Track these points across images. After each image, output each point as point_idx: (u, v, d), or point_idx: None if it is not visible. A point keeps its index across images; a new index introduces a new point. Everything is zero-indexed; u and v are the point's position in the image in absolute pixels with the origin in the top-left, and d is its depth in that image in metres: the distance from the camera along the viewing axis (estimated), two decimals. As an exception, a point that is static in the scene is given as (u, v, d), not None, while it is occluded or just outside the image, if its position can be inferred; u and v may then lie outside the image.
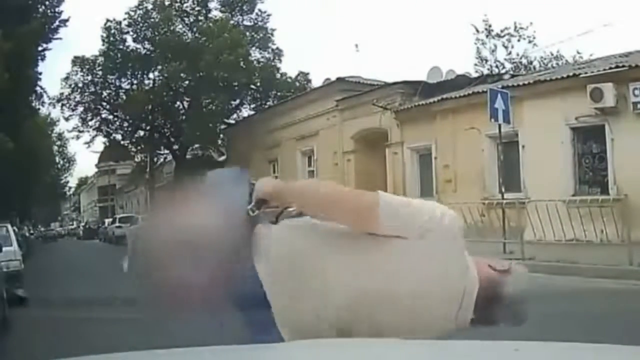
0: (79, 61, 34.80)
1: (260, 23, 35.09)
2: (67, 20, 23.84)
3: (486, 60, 31.45)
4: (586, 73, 14.44)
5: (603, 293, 8.02)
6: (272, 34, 35.08)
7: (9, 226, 12.04)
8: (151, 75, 35.07)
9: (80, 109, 35.92)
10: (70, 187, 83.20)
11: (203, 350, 1.42)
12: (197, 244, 1.28)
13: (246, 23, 34.90)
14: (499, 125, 13.79)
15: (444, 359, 1.32)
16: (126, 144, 39.00)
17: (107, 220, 45.23)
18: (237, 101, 35.06)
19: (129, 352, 1.56)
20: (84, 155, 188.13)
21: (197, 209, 1.37)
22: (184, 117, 34.69)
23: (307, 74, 35.76)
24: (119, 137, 37.99)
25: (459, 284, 1.60)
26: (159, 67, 33.69)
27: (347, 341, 1.31)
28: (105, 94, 35.76)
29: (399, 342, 1.27)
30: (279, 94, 33.53)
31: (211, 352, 1.40)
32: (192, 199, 1.45)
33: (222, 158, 35.20)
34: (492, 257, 1.82)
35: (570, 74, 15.40)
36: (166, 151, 38.17)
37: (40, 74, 25.38)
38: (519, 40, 30.96)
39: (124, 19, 34.16)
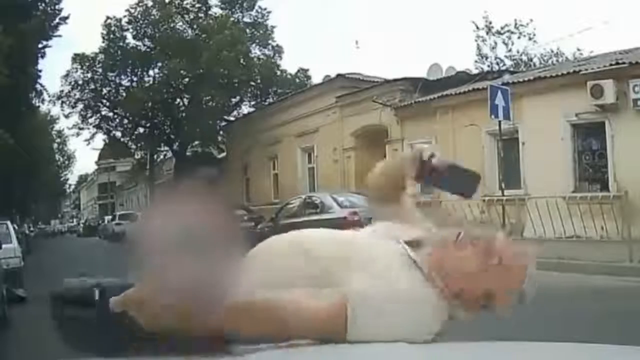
0: (79, 58, 34.83)
1: (260, 20, 35.01)
2: (67, 18, 23.89)
3: (486, 57, 31.57)
4: (586, 70, 14.41)
5: (603, 290, 8.01)
6: (272, 31, 35.04)
7: (9, 223, 11.99)
8: (151, 73, 35.12)
9: (80, 106, 35.96)
10: (70, 185, 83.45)
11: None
12: (189, 243, 1.24)
13: (246, 20, 34.84)
14: (499, 122, 13.78)
15: (440, 359, 1.32)
16: (126, 141, 38.99)
17: (107, 218, 45.24)
18: (237, 98, 35.03)
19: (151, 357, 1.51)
20: (84, 152, 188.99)
21: (190, 207, 1.30)
22: (183, 114, 34.66)
23: (307, 70, 35.76)
24: (119, 134, 38.03)
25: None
26: (159, 64, 33.70)
27: (344, 345, 1.30)
28: (105, 91, 35.76)
29: (393, 343, 1.27)
30: (279, 90, 33.45)
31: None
32: (187, 197, 1.35)
33: (222, 155, 35.20)
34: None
35: (571, 70, 15.38)
36: (166, 148, 38.19)
37: (40, 71, 25.49)
38: (519, 37, 31.09)
39: (124, 16, 34.23)
